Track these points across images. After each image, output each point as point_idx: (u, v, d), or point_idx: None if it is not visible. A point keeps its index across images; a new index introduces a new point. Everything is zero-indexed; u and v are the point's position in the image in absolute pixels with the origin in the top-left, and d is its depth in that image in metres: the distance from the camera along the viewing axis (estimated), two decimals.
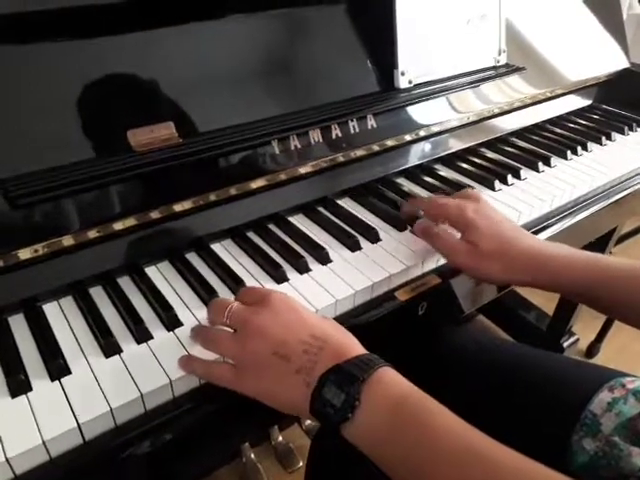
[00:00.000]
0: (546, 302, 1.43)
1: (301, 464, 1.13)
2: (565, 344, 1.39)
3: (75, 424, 0.42)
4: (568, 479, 0.36)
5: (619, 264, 0.57)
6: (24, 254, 0.51)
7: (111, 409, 0.44)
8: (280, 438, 1.18)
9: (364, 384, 0.41)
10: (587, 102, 1.06)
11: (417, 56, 0.74)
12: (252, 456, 1.15)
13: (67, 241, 0.54)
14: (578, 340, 1.41)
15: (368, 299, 0.59)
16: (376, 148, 0.74)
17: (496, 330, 1.53)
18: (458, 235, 0.61)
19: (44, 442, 0.41)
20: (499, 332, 1.52)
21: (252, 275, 0.59)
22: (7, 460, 0.40)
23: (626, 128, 0.97)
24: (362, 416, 0.41)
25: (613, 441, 0.53)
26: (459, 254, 0.59)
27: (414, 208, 0.67)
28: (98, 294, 0.56)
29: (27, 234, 0.52)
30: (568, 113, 1.02)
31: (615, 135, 0.94)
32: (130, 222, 0.57)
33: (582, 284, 0.56)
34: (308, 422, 1.16)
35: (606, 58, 1.07)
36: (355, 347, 0.45)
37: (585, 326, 1.43)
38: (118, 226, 0.56)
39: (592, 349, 1.49)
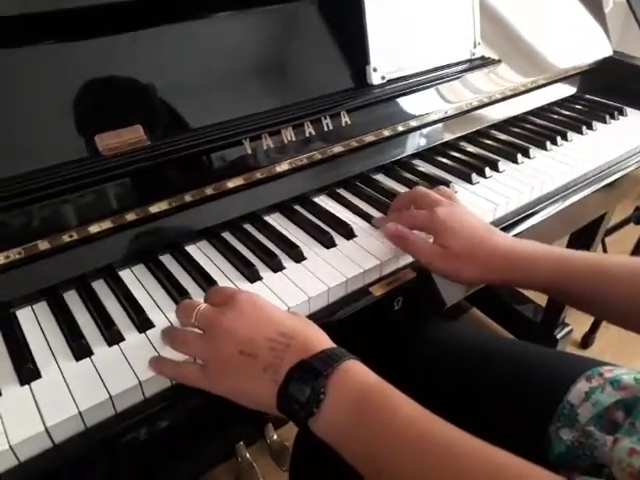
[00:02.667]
0: (539, 294, 1.42)
1: None
2: (559, 335, 1.39)
3: (43, 428, 0.43)
4: (529, 464, 0.36)
5: (588, 257, 0.57)
6: None
7: (79, 412, 0.44)
8: (275, 436, 1.18)
9: (329, 378, 0.42)
10: (570, 92, 1.06)
11: (389, 52, 0.74)
12: (247, 455, 1.15)
13: (41, 246, 0.54)
14: (571, 331, 1.41)
15: (342, 295, 0.59)
16: (353, 144, 0.74)
17: (489, 323, 1.52)
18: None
19: (11, 447, 0.41)
20: (492, 325, 1.52)
21: (226, 275, 0.59)
22: None
23: (608, 117, 0.96)
24: (327, 410, 0.41)
25: (589, 431, 0.53)
26: (432, 258, 0.59)
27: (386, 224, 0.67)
28: (72, 298, 0.56)
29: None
30: (550, 104, 1.02)
31: (596, 124, 0.94)
32: (105, 225, 0.57)
33: (554, 280, 0.56)
34: None
35: (588, 47, 1.06)
36: (323, 342, 0.46)
37: (579, 317, 1.43)
38: (92, 229, 0.57)
39: (586, 340, 1.49)
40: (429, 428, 0.39)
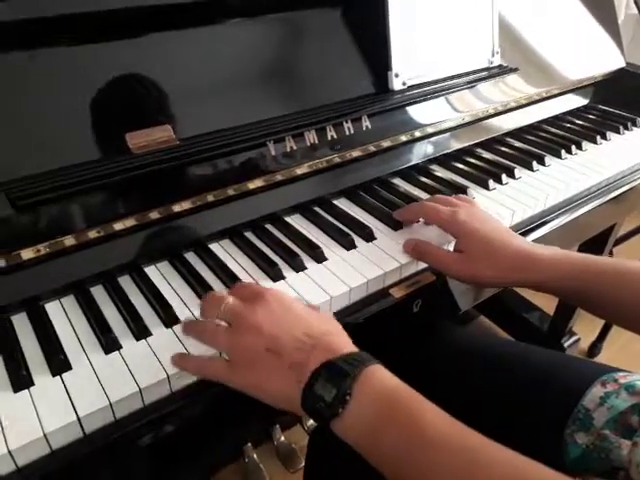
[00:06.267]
0: (547, 302, 1.44)
1: (303, 464, 1.14)
2: (566, 344, 1.39)
3: (75, 417, 0.44)
4: (555, 473, 0.37)
5: (606, 261, 0.58)
6: (26, 254, 0.53)
7: (110, 403, 0.45)
8: (282, 438, 1.18)
9: (355, 380, 0.42)
10: (583, 102, 1.07)
11: (411, 58, 0.75)
12: (254, 456, 1.15)
13: (68, 241, 0.55)
14: (579, 340, 1.42)
15: (363, 296, 0.60)
16: (372, 149, 0.75)
17: (497, 331, 1.53)
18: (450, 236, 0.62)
19: (45, 435, 0.42)
20: (500, 333, 1.52)
21: (249, 273, 0.60)
22: (9, 452, 0.41)
23: (621, 127, 0.97)
24: (352, 411, 0.42)
25: (604, 434, 0.54)
26: (450, 265, 0.61)
27: (408, 217, 0.69)
28: (99, 293, 0.57)
29: (29, 234, 0.53)
30: (564, 113, 1.03)
31: (610, 134, 0.95)
32: (130, 222, 0.58)
33: (571, 283, 0.57)
34: (310, 422, 1.17)
35: (602, 58, 1.08)
36: (347, 344, 0.46)
37: (586, 326, 1.44)
38: (118, 226, 0.58)
39: (593, 349, 1.49)
40: (454, 430, 0.40)
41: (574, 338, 1.41)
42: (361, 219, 0.70)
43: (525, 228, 0.75)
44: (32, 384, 0.46)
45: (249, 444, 1.14)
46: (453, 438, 0.40)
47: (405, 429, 0.41)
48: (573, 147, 0.89)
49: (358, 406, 0.42)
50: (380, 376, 0.44)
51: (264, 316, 0.46)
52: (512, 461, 0.38)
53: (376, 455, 0.42)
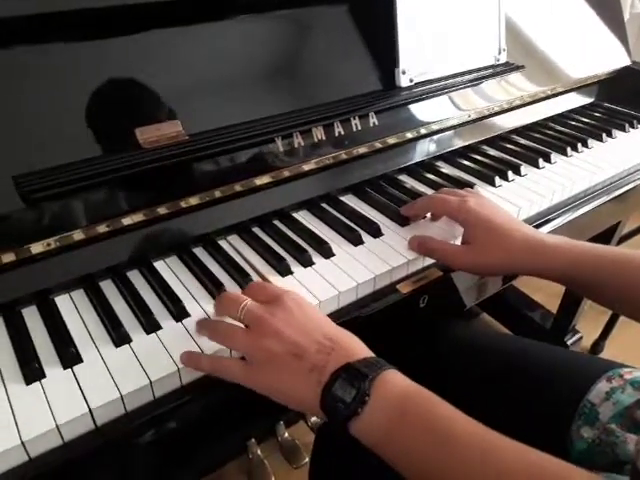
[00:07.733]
0: (550, 300, 1.44)
1: (307, 460, 1.14)
2: (569, 342, 1.39)
3: (87, 409, 0.44)
4: (566, 464, 0.37)
5: (615, 250, 0.58)
6: (36, 248, 0.53)
7: (121, 395, 0.45)
8: (286, 434, 1.19)
9: (373, 381, 0.43)
10: (589, 100, 1.07)
11: (418, 55, 0.76)
12: (258, 452, 1.16)
13: (78, 235, 0.55)
14: (582, 338, 1.42)
15: (370, 292, 0.61)
16: (378, 145, 0.76)
17: (500, 328, 1.53)
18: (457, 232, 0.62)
19: (57, 427, 0.43)
20: (503, 330, 1.53)
21: (257, 268, 0.60)
22: (22, 443, 0.42)
23: (627, 125, 0.98)
24: (370, 412, 0.43)
25: (610, 429, 0.55)
26: (457, 256, 0.62)
27: (417, 212, 0.69)
28: (108, 287, 0.57)
29: (39, 229, 0.54)
30: (569, 111, 1.03)
31: (616, 132, 0.95)
32: (138, 217, 0.59)
33: (577, 271, 0.58)
34: (314, 419, 1.18)
35: (607, 56, 1.08)
36: (362, 349, 0.47)
37: (589, 324, 1.44)
38: (127, 221, 0.58)
39: (596, 347, 1.50)
40: (469, 430, 0.41)
41: (577, 336, 1.40)
42: (368, 215, 0.70)
43: (531, 225, 0.75)
44: (44, 376, 0.47)
45: (253, 440, 1.15)
46: (467, 433, 0.41)
47: (421, 427, 0.42)
48: (579, 145, 0.89)
49: (376, 407, 0.43)
50: (396, 379, 0.45)
51: (284, 319, 0.47)
52: (529, 455, 0.39)
53: (393, 454, 0.43)
